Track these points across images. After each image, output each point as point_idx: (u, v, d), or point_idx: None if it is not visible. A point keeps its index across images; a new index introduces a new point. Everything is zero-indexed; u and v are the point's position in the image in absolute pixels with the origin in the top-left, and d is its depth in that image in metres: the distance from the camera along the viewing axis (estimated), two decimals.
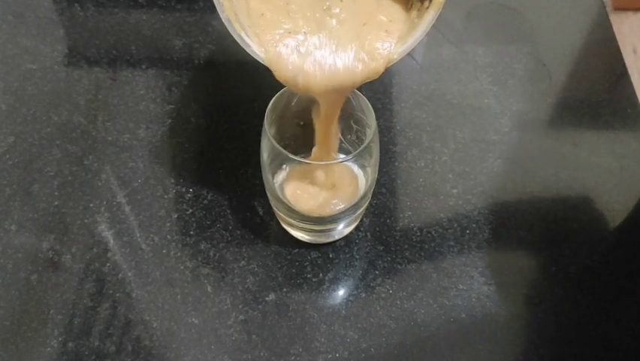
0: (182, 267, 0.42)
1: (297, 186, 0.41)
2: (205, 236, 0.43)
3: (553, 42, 0.56)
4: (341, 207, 0.40)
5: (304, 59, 0.33)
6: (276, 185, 0.41)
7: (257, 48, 0.33)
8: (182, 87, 0.52)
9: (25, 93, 0.51)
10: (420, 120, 0.50)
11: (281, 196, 0.40)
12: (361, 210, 0.41)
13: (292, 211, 0.40)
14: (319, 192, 0.40)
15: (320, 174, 0.40)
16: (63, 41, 0.55)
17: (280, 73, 0.33)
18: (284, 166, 0.41)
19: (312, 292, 0.41)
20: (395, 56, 0.33)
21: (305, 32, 0.33)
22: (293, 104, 0.40)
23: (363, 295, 0.41)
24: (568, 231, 0.44)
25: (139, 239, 0.43)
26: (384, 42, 0.33)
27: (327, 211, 0.40)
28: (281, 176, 0.41)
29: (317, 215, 0.40)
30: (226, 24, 0.32)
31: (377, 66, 0.33)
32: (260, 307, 0.40)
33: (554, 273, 0.42)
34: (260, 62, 0.34)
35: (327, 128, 0.38)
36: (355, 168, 0.41)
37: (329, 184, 0.40)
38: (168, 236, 0.43)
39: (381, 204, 0.45)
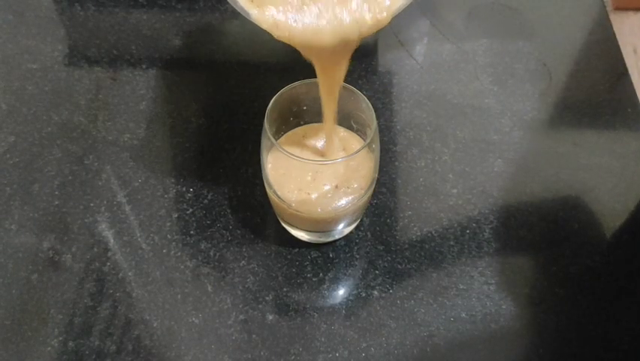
0: (182, 266, 0.42)
1: (295, 185, 0.41)
2: (205, 236, 0.43)
3: (553, 42, 0.56)
4: (343, 203, 0.40)
5: (308, 14, 0.33)
6: (274, 183, 0.41)
7: (244, 3, 0.33)
8: (182, 87, 0.52)
9: (25, 93, 0.51)
10: (420, 120, 0.50)
11: (280, 195, 0.40)
12: (361, 209, 0.41)
13: (292, 210, 0.40)
14: (320, 189, 0.40)
15: (322, 171, 0.40)
16: (64, 41, 0.55)
17: (287, 31, 0.33)
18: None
19: (312, 292, 0.41)
20: (398, 6, 0.33)
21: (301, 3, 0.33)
22: (293, 104, 0.40)
23: (363, 295, 0.41)
24: (568, 231, 0.44)
25: (139, 239, 0.43)
26: None
27: (328, 210, 0.40)
28: (280, 174, 0.41)
29: (317, 216, 0.40)
30: None
31: (385, 17, 0.33)
32: (260, 306, 0.40)
33: (554, 273, 0.42)
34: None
35: (331, 93, 0.38)
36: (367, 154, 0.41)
37: (334, 180, 0.40)
38: (168, 236, 0.43)
39: (381, 204, 0.45)
